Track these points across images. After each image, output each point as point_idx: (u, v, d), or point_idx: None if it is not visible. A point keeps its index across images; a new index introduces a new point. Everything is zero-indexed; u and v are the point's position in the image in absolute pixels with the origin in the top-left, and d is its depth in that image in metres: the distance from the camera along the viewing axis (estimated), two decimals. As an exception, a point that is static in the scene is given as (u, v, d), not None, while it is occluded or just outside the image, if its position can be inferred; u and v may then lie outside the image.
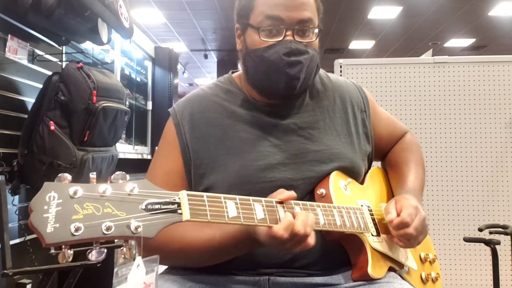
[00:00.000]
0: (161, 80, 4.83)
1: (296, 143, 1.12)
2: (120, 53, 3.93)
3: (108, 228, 0.68)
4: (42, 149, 2.14)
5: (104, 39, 2.37)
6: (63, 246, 0.66)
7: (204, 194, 0.82)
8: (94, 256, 0.69)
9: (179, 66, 5.48)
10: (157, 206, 0.74)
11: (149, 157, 4.57)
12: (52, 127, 2.14)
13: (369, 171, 1.26)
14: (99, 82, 2.26)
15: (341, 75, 2.55)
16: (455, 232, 2.50)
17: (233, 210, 0.84)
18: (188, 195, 0.79)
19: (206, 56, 11.29)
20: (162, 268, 1.08)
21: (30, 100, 2.30)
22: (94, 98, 2.20)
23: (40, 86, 2.27)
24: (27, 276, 2.07)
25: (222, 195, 0.84)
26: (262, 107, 1.13)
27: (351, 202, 1.08)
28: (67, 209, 0.66)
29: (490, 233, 2.08)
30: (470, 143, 2.53)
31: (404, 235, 1.03)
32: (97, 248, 0.70)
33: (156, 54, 4.83)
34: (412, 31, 9.55)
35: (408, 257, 1.17)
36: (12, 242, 1.98)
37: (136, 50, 4.43)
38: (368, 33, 9.82)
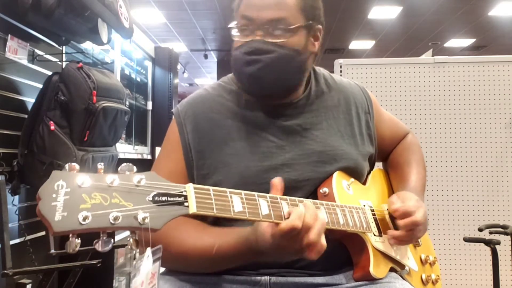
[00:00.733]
0: (161, 80, 4.83)
1: (300, 144, 1.12)
2: (120, 53, 3.93)
3: (116, 218, 0.68)
4: (42, 149, 2.14)
5: (104, 39, 2.37)
6: (71, 235, 0.66)
7: (211, 188, 0.82)
8: (100, 246, 0.69)
9: (179, 66, 5.48)
10: (164, 198, 0.74)
11: (149, 157, 4.57)
12: (52, 127, 2.14)
13: (371, 172, 1.26)
14: (99, 82, 2.26)
15: (341, 75, 2.55)
16: (455, 232, 2.50)
17: (238, 205, 0.84)
18: (194, 188, 0.79)
19: (206, 56, 11.29)
20: (162, 268, 1.08)
21: (30, 100, 2.30)
22: (94, 98, 2.20)
23: (40, 86, 2.27)
24: (27, 276, 2.07)
25: (228, 190, 0.84)
26: (266, 107, 1.13)
27: (353, 202, 1.08)
28: (75, 198, 0.66)
29: (490, 233, 2.08)
30: (470, 143, 2.53)
31: (410, 223, 1.04)
32: (104, 238, 0.69)
33: (156, 54, 4.83)
34: (412, 31, 9.55)
35: (409, 258, 1.17)
36: (12, 242, 1.98)
37: (136, 50, 4.43)
38: (368, 33, 9.82)
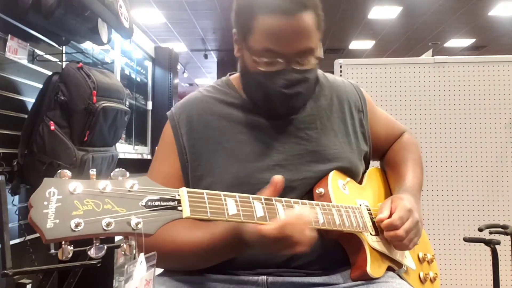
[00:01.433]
0: (161, 80, 4.83)
1: (294, 144, 1.12)
2: (120, 53, 3.93)
3: (109, 224, 0.68)
4: (42, 149, 2.14)
5: (104, 39, 2.37)
6: (63, 242, 0.66)
7: (204, 191, 0.82)
8: (93, 252, 0.69)
9: (179, 66, 5.48)
10: (157, 203, 0.74)
11: (149, 157, 4.57)
12: (52, 127, 2.14)
13: (367, 171, 1.26)
14: (99, 82, 2.26)
15: (341, 75, 2.54)
16: (455, 232, 2.50)
17: (233, 208, 0.84)
18: (188, 192, 0.79)
19: (206, 56, 11.29)
20: (159, 270, 1.08)
21: (30, 100, 2.30)
22: (94, 98, 2.20)
23: (40, 86, 2.27)
24: (27, 276, 2.08)
25: (222, 193, 0.84)
26: (259, 110, 1.13)
27: (349, 202, 1.08)
28: (67, 205, 0.66)
29: (490, 233, 2.08)
30: (470, 143, 2.53)
31: (393, 236, 1.04)
32: (97, 244, 0.69)
33: (156, 54, 4.83)
34: (412, 31, 9.55)
35: (407, 256, 1.17)
36: (12, 242, 1.98)
37: (136, 50, 4.43)
38: (368, 33, 9.82)
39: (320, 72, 1.24)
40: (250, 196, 0.88)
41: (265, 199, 0.89)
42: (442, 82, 2.55)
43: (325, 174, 1.10)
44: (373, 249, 1.05)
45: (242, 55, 1.11)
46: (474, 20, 8.85)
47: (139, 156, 4.36)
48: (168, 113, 1.19)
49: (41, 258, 2.27)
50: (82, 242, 0.69)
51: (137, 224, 0.70)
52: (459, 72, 2.55)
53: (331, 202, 1.04)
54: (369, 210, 1.12)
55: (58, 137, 2.16)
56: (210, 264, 1.04)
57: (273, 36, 1.01)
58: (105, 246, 0.70)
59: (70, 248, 0.67)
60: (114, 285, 2.75)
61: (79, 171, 2.16)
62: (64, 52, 2.65)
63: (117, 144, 2.68)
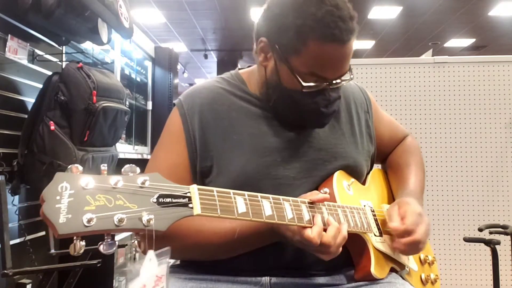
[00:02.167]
0: (161, 80, 4.83)
1: (301, 142, 1.12)
2: (120, 53, 3.93)
3: (121, 220, 0.67)
4: (42, 149, 2.14)
5: (104, 39, 2.37)
6: (75, 238, 0.66)
7: (214, 189, 0.82)
8: (104, 248, 0.69)
9: (179, 66, 5.48)
10: (168, 200, 0.74)
11: (149, 157, 4.56)
12: (52, 127, 2.14)
13: (371, 172, 1.26)
14: (99, 82, 2.26)
15: (341, 75, 2.54)
16: (455, 232, 2.50)
17: (242, 206, 0.84)
18: (198, 189, 0.78)
19: (206, 56, 11.29)
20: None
21: (30, 100, 2.30)
22: (94, 98, 2.20)
23: (40, 86, 2.27)
24: (27, 276, 2.08)
25: (231, 191, 0.84)
26: (269, 106, 1.13)
27: (354, 202, 1.08)
28: (79, 200, 0.66)
29: (490, 233, 2.08)
30: (470, 143, 2.53)
31: (412, 242, 1.04)
32: (108, 240, 0.69)
33: (156, 54, 4.83)
34: (412, 31, 9.55)
35: (409, 258, 1.17)
36: (12, 242, 1.98)
37: (136, 50, 4.43)
38: (368, 33, 9.82)
39: None
40: (259, 194, 0.88)
41: (273, 198, 0.90)
42: (442, 82, 2.55)
43: (331, 173, 1.10)
44: (377, 250, 1.05)
45: (275, 69, 1.07)
46: (474, 20, 8.84)
47: (139, 156, 4.36)
48: (175, 101, 1.16)
49: (41, 258, 2.27)
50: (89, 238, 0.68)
51: (148, 221, 0.69)
52: (459, 72, 2.55)
53: (336, 202, 1.04)
54: (373, 211, 1.12)
55: (58, 137, 2.16)
56: (236, 254, 1.04)
57: (323, 63, 1.01)
58: (116, 242, 0.70)
59: (82, 243, 0.66)
60: (114, 285, 2.75)
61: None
62: (64, 52, 2.65)
63: (117, 144, 2.68)
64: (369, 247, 1.04)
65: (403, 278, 1.12)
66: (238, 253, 1.04)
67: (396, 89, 2.57)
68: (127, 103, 2.67)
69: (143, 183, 0.72)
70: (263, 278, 1.06)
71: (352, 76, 1.09)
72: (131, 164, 0.73)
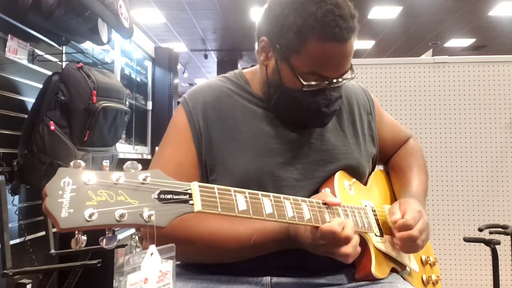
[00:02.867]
0: (161, 80, 4.83)
1: (304, 143, 1.12)
2: (120, 53, 3.93)
3: (122, 216, 0.68)
4: (42, 149, 2.14)
5: (104, 39, 2.37)
6: (77, 232, 0.66)
7: (215, 186, 0.82)
8: (106, 243, 0.69)
9: (179, 66, 5.48)
10: (169, 196, 0.74)
11: (149, 157, 4.57)
12: (52, 127, 2.15)
13: (372, 172, 1.26)
14: (99, 82, 2.26)
15: (341, 75, 2.54)
16: (455, 232, 2.50)
17: (242, 204, 0.84)
18: (199, 186, 0.79)
19: (206, 56, 11.29)
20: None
21: (30, 100, 2.30)
22: (94, 98, 2.20)
23: (40, 86, 2.27)
24: (27, 276, 2.07)
25: (232, 188, 0.84)
26: (271, 105, 1.13)
27: (355, 202, 1.08)
28: (81, 195, 0.66)
29: (490, 233, 2.08)
30: (470, 143, 2.53)
31: (407, 236, 1.04)
32: (109, 235, 0.69)
33: (156, 54, 4.83)
34: (412, 31, 9.55)
35: (410, 258, 1.17)
36: (12, 242, 1.98)
37: (136, 50, 4.43)
38: (368, 33, 9.82)
39: None
40: (259, 193, 0.88)
41: (274, 196, 0.90)
42: (442, 82, 2.55)
43: (333, 174, 1.10)
44: (377, 250, 1.05)
45: (276, 68, 1.07)
46: (474, 20, 8.85)
47: (139, 156, 4.36)
48: (180, 99, 1.16)
49: (41, 258, 2.28)
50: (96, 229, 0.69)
51: (149, 217, 0.70)
52: (459, 72, 2.55)
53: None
54: (374, 211, 1.12)
55: (58, 137, 2.16)
56: (249, 257, 1.04)
57: (324, 62, 1.02)
58: (118, 237, 0.70)
59: (84, 238, 0.67)
60: (114, 285, 2.75)
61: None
62: (64, 52, 2.65)
63: (117, 144, 2.68)
64: (369, 247, 1.04)
65: (404, 279, 1.12)
66: (251, 257, 1.04)
67: (396, 89, 2.57)
68: (127, 103, 2.67)
69: (144, 179, 0.72)
70: (264, 278, 1.06)
71: (354, 75, 1.09)
72: (132, 161, 0.73)
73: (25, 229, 2.24)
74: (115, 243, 0.70)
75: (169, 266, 0.75)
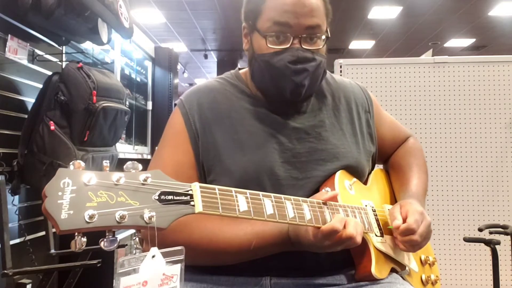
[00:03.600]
0: (161, 80, 4.83)
1: (302, 142, 1.12)
2: (120, 53, 3.93)
3: (122, 217, 0.67)
4: (42, 149, 2.14)
5: (104, 39, 2.37)
6: (76, 234, 0.66)
7: (216, 187, 0.82)
8: (106, 245, 0.68)
9: (179, 66, 5.48)
10: (170, 197, 0.73)
11: (149, 157, 4.57)
12: (52, 127, 2.15)
13: (372, 172, 1.26)
14: (99, 82, 2.26)
15: (341, 75, 2.55)
16: (455, 232, 2.50)
17: (243, 204, 0.84)
18: (200, 187, 0.78)
19: (206, 56, 11.28)
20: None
21: (30, 100, 2.30)
22: (94, 98, 2.20)
23: (40, 86, 2.27)
24: (27, 276, 2.07)
25: (233, 189, 0.84)
26: (269, 105, 1.13)
27: (355, 202, 1.08)
28: (81, 196, 0.66)
29: (490, 233, 2.08)
30: (470, 143, 2.53)
31: (409, 241, 1.04)
32: (110, 237, 0.68)
33: (156, 54, 4.83)
34: (412, 31, 9.55)
35: (410, 258, 1.17)
36: (12, 242, 1.98)
37: (136, 50, 4.43)
38: (368, 33, 9.82)
39: (328, 73, 1.24)
40: (261, 193, 0.88)
41: (275, 197, 0.90)
42: (442, 82, 2.55)
43: (332, 173, 1.10)
44: (377, 250, 1.05)
45: (250, 44, 1.12)
46: (474, 20, 8.84)
47: (139, 156, 4.36)
48: (177, 101, 1.17)
49: (41, 258, 2.28)
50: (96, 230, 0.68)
51: (150, 218, 0.69)
52: (459, 72, 2.55)
53: (337, 201, 1.04)
54: (374, 211, 1.12)
55: (58, 137, 2.16)
56: (247, 260, 1.04)
57: (282, 8, 1.04)
58: (118, 239, 0.70)
59: (84, 240, 0.66)
60: (114, 285, 2.75)
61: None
62: (64, 52, 2.65)
63: (117, 144, 2.68)
64: (370, 247, 1.04)
65: (403, 279, 1.12)
66: (249, 259, 1.04)
67: (396, 89, 2.57)
68: (127, 103, 2.67)
69: (145, 180, 0.72)
70: (263, 278, 1.05)
71: (327, 36, 1.09)
72: (133, 161, 0.73)
73: (25, 229, 2.24)
74: (115, 245, 0.69)
75: (176, 269, 0.73)
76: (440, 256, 2.49)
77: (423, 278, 1.22)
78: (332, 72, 1.64)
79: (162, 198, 0.72)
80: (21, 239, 2.22)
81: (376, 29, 9.51)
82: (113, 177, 0.69)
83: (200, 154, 1.09)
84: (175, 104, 1.17)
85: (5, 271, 1.77)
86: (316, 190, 1.09)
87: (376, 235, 1.07)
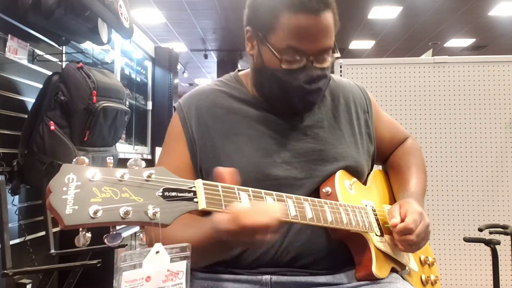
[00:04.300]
0: (161, 80, 4.83)
1: (301, 142, 1.12)
2: (120, 53, 3.93)
3: (126, 213, 0.67)
4: (42, 149, 2.14)
5: (104, 39, 2.37)
6: (81, 229, 0.66)
7: (219, 184, 0.82)
8: (109, 241, 0.68)
9: (179, 66, 5.48)
10: (173, 194, 0.74)
11: (149, 157, 4.57)
12: (52, 127, 2.15)
13: (371, 172, 1.26)
14: (99, 82, 2.26)
15: (341, 75, 2.55)
16: (455, 232, 2.50)
17: (246, 202, 0.84)
18: (203, 184, 0.79)
19: (206, 56, 11.29)
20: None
21: (30, 100, 2.30)
22: (94, 98, 2.20)
23: (40, 86, 2.27)
24: (27, 276, 2.07)
25: (236, 186, 0.84)
26: (268, 106, 1.13)
27: (355, 202, 1.09)
28: (86, 191, 0.66)
29: (490, 233, 2.08)
30: (470, 143, 2.53)
31: (406, 240, 1.04)
32: (113, 232, 0.69)
33: (156, 54, 4.83)
34: (412, 31, 9.55)
35: (410, 258, 1.17)
36: (12, 242, 1.98)
37: (136, 50, 4.43)
38: (368, 33, 9.82)
39: None
40: (263, 191, 0.88)
41: (277, 195, 0.90)
42: (442, 82, 2.55)
43: (331, 173, 1.10)
44: (378, 249, 1.06)
45: (258, 53, 1.09)
46: (474, 20, 8.85)
47: (139, 156, 4.36)
48: (175, 105, 1.18)
49: (41, 258, 2.27)
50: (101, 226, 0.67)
51: (154, 214, 0.69)
52: (459, 72, 2.55)
53: (338, 201, 1.04)
54: (374, 210, 1.13)
55: (58, 137, 2.16)
56: (204, 264, 1.03)
57: (298, 34, 1.02)
58: (122, 235, 0.70)
59: (88, 235, 0.66)
60: (114, 285, 2.75)
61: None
62: (64, 52, 2.65)
63: (117, 144, 2.68)
64: (370, 246, 1.05)
65: (403, 278, 1.12)
66: (205, 263, 1.01)
67: (396, 89, 2.57)
68: (127, 103, 2.67)
69: (149, 176, 0.72)
70: (264, 277, 1.06)
71: (337, 55, 1.09)
72: (136, 158, 0.73)
73: (25, 229, 2.24)
74: (119, 241, 0.69)
75: (181, 265, 0.74)
76: (440, 256, 2.49)
77: (423, 278, 1.22)
78: (332, 72, 1.64)
79: (165, 194, 0.73)
80: (21, 239, 2.22)
81: (376, 29, 9.52)
82: (117, 173, 0.69)
83: (197, 158, 1.10)
84: (175, 108, 1.19)
85: (5, 271, 1.77)
86: (316, 190, 1.09)
87: (377, 235, 1.07)
